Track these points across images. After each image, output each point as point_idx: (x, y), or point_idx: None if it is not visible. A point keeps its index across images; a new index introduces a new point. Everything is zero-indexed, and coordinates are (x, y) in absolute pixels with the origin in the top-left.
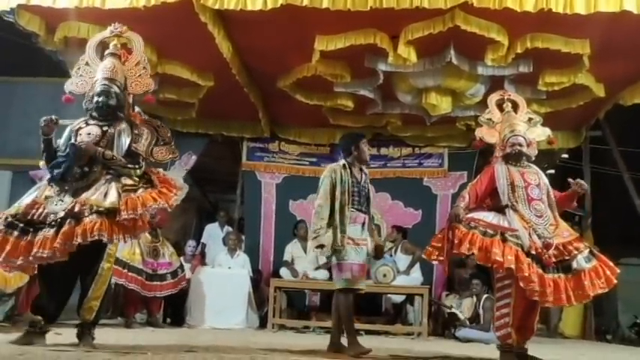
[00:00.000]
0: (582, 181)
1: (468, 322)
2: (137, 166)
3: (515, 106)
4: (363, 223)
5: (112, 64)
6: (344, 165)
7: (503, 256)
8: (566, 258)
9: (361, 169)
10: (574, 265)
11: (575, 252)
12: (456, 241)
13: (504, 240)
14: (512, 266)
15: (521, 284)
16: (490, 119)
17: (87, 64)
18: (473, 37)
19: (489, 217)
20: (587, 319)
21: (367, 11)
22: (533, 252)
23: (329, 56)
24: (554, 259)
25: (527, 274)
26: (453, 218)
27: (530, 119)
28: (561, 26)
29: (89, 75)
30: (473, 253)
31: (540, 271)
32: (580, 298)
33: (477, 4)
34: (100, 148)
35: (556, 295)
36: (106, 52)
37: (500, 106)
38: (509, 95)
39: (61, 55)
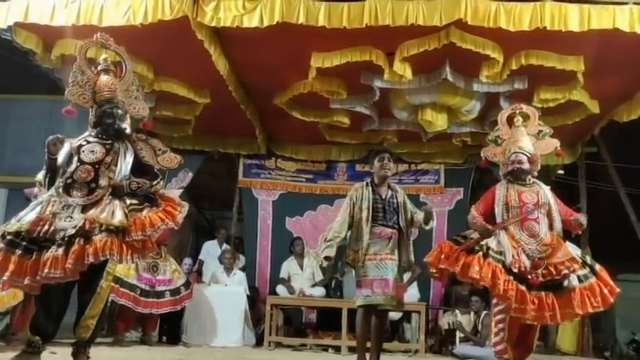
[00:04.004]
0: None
1: (467, 330)
2: (159, 179)
3: (526, 119)
4: (390, 238)
5: (113, 83)
6: (367, 183)
7: (480, 272)
8: (557, 278)
9: (389, 186)
10: (565, 283)
11: (567, 271)
12: (442, 257)
13: (486, 256)
14: (488, 282)
15: (498, 300)
16: (498, 137)
17: (82, 72)
18: (468, 53)
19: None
20: (584, 335)
21: (363, 28)
22: (516, 270)
23: (325, 73)
24: (542, 279)
25: (502, 291)
26: (484, 234)
27: (539, 132)
28: (556, 43)
29: (89, 88)
30: (454, 271)
31: (523, 288)
32: (568, 316)
33: (472, 21)
34: (125, 182)
35: (539, 312)
36: (100, 67)
37: (510, 120)
38: (522, 109)
39: (58, 73)
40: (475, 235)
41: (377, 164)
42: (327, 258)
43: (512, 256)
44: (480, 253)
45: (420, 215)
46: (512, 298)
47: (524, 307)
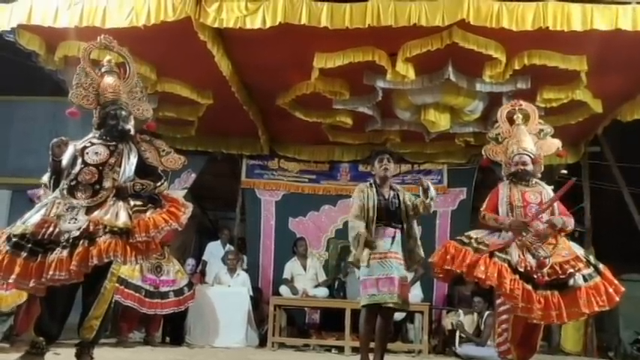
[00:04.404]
0: None
1: (469, 331)
2: (163, 181)
3: (526, 118)
4: (393, 237)
5: (116, 85)
6: (370, 183)
7: (486, 272)
8: (562, 277)
9: (391, 187)
10: (570, 282)
11: (572, 270)
12: (448, 257)
13: (491, 256)
14: (494, 282)
15: (504, 300)
16: (498, 134)
17: (86, 74)
18: (471, 54)
19: (484, 234)
20: (588, 335)
21: (365, 29)
22: (522, 269)
23: (328, 74)
24: (547, 278)
25: (508, 290)
26: (520, 228)
27: (540, 131)
28: (558, 43)
29: (93, 90)
30: (462, 271)
31: (529, 287)
32: (574, 315)
33: (474, 21)
34: (129, 183)
35: (546, 311)
36: (103, 69)
37: (511, 118)
38: (521, 105)
39: (61, 75)
40: (484, 237)
41: (377, 165)
42: (369, 245)
43: (518, 255)
44: (486, 253)
45: (420, 198)
46: (519, 297)
47: (531, 307)
